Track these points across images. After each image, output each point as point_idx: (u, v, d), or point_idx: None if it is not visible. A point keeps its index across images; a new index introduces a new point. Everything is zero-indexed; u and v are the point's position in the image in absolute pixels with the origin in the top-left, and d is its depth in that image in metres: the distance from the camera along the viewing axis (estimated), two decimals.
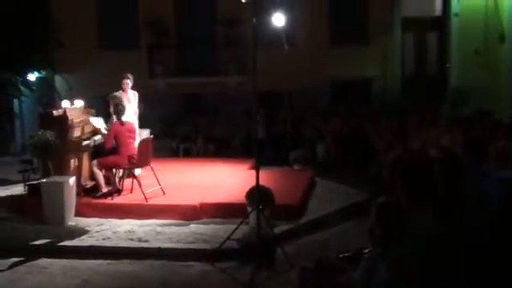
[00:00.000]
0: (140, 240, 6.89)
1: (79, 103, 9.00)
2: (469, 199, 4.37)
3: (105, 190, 8.14)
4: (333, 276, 4.10)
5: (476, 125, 8.50)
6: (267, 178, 8.36)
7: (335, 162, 10.86)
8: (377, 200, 3.96)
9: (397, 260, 3.48)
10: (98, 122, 8.74)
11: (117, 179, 8.33)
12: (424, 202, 3.99)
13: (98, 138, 8.60)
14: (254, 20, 6.56)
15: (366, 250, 3.93)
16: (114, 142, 8.08)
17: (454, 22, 14.38)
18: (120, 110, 8.25)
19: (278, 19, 11.62)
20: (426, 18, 14.81)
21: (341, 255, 4.37)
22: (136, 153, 8.08)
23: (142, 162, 8.20)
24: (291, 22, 13.05)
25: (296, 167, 10.25)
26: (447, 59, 14.57)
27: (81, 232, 7.22)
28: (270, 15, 11.59)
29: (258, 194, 6.39)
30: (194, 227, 7.30)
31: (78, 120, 8.56)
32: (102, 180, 8.17)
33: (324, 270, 4.22)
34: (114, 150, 8.16)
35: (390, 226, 3.59)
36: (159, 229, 7.26)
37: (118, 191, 8.25)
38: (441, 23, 14.73)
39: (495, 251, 3.94)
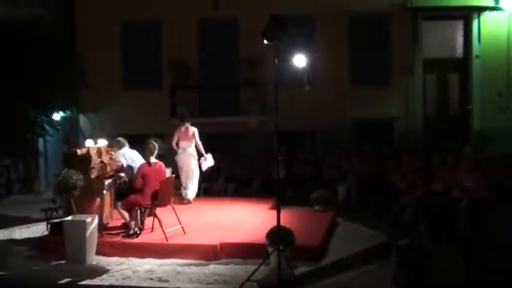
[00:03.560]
0: (160, 280, 6.86)
1: (103, 142, 9.13)
2: (493, 243, 4.30)
3: (136, 228, 8.18)
4: None
5: (499, 167, 8.39)
6: (288, 218, 8.30)
7: (357, 202, 10.79)
8: (398, 243, 3.92)
9: None
10: (133, 154, 8.99)
11: (141, 218, 8.38)
12: (449, 245, 3.94)
13: (121, 175, 8.72)
14: (276, 61, 6.66)
15: None
16: (141, 181, 8.17)
17: (476, 64, 14.39)
18: (149, 151, 8.43)
19: (300, 60, 11.77)
20: (447, 59, 14.84)
21: None
22: (158, 192, 8.13)
23: (164, 201, 8.23)
24: (313, 62, 13.21)
25: (317, 208, 10.18)
26: (469, 101, 14.52)
27: (101, 271, 7.22)
28: (291, 55, 11.75)
29: (278, 235, 6.35)
30: (213, 267, 7.24)
31: (101, 159, 8.67)
32: (128, 219, 8.22)
33: None
34: (139, 190, 8.25)
35: (414, 269, 3.54)
36: (179, 268, 7.23)
37: (141, 230, 8.29)
38: (462, 65, 14.74)
39: None
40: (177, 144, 11.16)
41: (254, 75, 13.76)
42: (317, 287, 6.66)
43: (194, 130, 11.17)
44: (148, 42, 14.88)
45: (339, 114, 14.01)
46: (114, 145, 9.23)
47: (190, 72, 14.44)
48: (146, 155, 8.55)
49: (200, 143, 11.19)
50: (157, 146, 8.57)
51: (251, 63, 13.71)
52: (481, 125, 14.09)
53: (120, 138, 9.52)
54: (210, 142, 12.13)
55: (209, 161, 11.20)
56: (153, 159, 8.47)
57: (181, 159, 11.05)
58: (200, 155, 11.23)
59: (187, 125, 11.11)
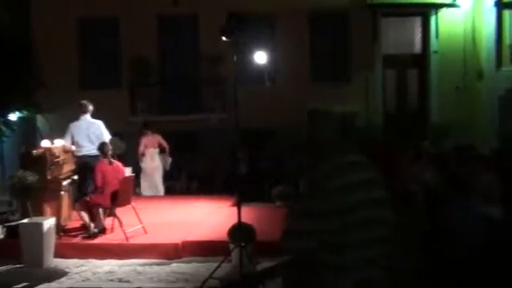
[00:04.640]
0: (121, 280, 6.75)
1: (59, 142, 8.93)
2: (448, 233, 4.37)
3: (96, 229, 8.02)
4: None
5: (456, 160, 8.55)
6: (249, 214, 8.29)
7: None
8: None
9: None
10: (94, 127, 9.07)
11: (101, 218, 8.22)
12: (405, 236, 3.99)
13: (76, 177, 8.56)
14: (236, 57, 6.64)
15: None
16: (101, 181, 8.02)
17: (434, 60, 14.67)
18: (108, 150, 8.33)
19: (260, 56, 11.78)
20: (406, 55, 15.08)
21: None
22: (118, 191, 8.00)
23: (124, 201, 8.11)
24: (274, 59, 13.23)
25: (278, 203, 10.21)
26: (427, 95, 14.78)
27: (60, 274, 7.06)
28: (252, 52, 11.74)
29: (239, 231, 6.33)
30: (175, 266, 7.18)
31: (58, 159, 8.48)
32: (87, 220, 8.06)
33: None
34: (98, 189, 8.11)
35: None
36: (140, 268, 7.13)
37: (104, 230, 8.15)
38: (421, 60, 14.99)
39: (474, 285, 3.92)
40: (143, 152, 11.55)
41: (215, 72, 13.71)
42: (280, 282, 6.65)
43: (158, 136, 11.63)
44: (106, 39, 14.65)
45: (300, 111, 14.01)
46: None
47: (149, 69, 14.29)
48: (104, 155, 8.36)
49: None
50: (110, 147, 8.45)
51: (212, 60, 13.64)
52: (439, 119, 14.36)
53: (83, 101, 9.33)
54: (171, 140, 12.05)
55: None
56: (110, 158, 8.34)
57: (148, 168, 11.20)
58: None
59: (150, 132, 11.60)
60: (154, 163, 11.59)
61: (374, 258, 2.48)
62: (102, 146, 8.32)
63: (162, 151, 11.78)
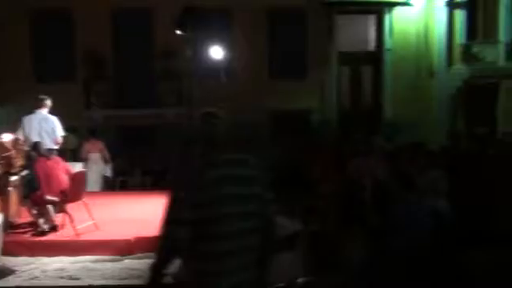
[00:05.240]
0: (71, 278, 6.61)
1: (8, 137, 8.67)
2: (398, 228, 4.45)
3: (45, 226, 7.82)
4: None
5: (407, 156, 8.73)
6: None
7: (273, 192, 10.87)
8: (306, 230, 3.99)
9: None
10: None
11: (52, 214, 8.03)
12: (355, 231, 4.04)
13: (25, 173, 8.32)
14: (192, 52, 6.60)
15: (300, 280, 3.93)
16: (45, 177, 7.83)
17: (387, 57, 14.93)
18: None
19: (217, 52, 11.73)
20: (361, 52, 15.30)
21: (275, 286, 4.35)
22: (68, 187, 7.84)
23: (74, 197, 7.95)
24: (231, 54, 13.21)
25: None
26: (381, 93, 15.04)
27: (7, 272, 6.84)
28: (209, 47, 11.68)
29: None
30: (127, 262, 7.08)
31: (7, 154, 8.23)
32: (37, 216, 7.86)
33: None
34: (45, 185, 7.91)
35: (321, 255, 3.61)
36: (92, 265, 7.00)
37: (55, 227, 7.96)
38: (375, 58, 15.24)
39: (422, 278, 4.01)
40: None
41: (171, 67, 13.58)
42: None
43: (100, 143, 11.87)
44: (60, 32, 14.31)
45: (257, 106, 14.09)
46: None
47: (104, 63, 14.05)
48: (38, 153, 8.18)
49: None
50: (44, 146, 8.31)
51: (168, 54, 13.52)
52: (392, 116, 14.64)
53: (41, 96, 9.13)
54: (126, 135, 11.92)
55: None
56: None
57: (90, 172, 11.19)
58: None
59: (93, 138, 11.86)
60: (95, 167, 11.60)
61: (249, 247, 2.65)
62: (35, 146, 8.18)
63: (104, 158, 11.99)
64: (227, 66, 12.58)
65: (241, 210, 2.64)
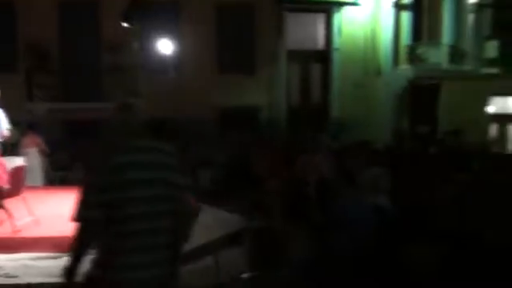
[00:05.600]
0: (8, 276, 6.37)
1: None
2: (341, 224, 4.50)
3: None
4: None
5: (352, 154, 8.89)
6: None
7: (220, 189, 10.87)
8: (252, 226, 3.98)
9: (271, 284, 3.49)
10: None
11: None
12: (299, 227, 4.06)
13: None
14: (138, 45, 6.47)
15: (244, 275, 3.92)
16: None
17: (336, 56, 15.12)
18: None
19: (165, 46, 11.58)
20: (310, 50, 15.44)
21: (221, 282, 4.35)
22: (4, 182, 7.55)
23: (12, 192, 7.67)
24: (179, 49, 13.07)
25: None
26: (329, 91, 15.23)
27: None
28: (157, 41, 11.52)
29: None
30: (67, 260, 6.90)
31: None
32: None
33: None
34: None
35: (264, 250, 3.61)
36: (30, 263, 6.78)
37: None
38: (324, 56, 15.42)
39: (364, 274, 4.07)
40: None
41: (118, 60, 13.30)
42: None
43: (38, 138, 11.72)
44: (1, 21, 13.80)
45: (206, 102, 14.02)
46: None
47: (48, 55, 13.64)
48: None
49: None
50: None
51: (114, 47, 13.22)
52: (339, 114, 14.85)
53: None
54: (70, 129, 11.63)
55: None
56: None
57: (29, 166, 10.86)
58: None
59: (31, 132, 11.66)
60: (33, 162, 11.36)
61: (156, 229, 2.79)
62: None
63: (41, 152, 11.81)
64: (175, 60, 12.43)
65: (146, 194, 2.76)
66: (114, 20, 9.58)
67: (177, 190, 2.90)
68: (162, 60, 11.95)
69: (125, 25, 6.19)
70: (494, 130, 15.96)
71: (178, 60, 13.30)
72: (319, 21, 15.43)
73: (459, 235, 3.38)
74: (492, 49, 15.04)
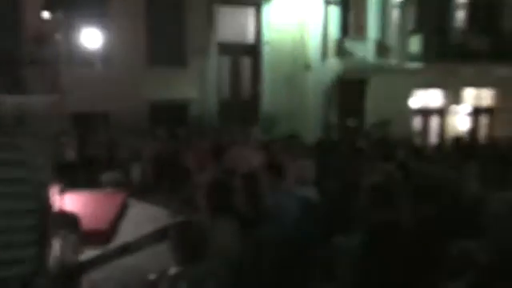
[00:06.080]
0: None
1: None
2: (269, 216, 4.53)
3: None
4: None
5: (281, 147, 8.98)
6: (76, 202, 7.92)
7: (151, 184, 10.72)
8: (179, 220, 3.94)
9: (198, 279, 3.47)
10: None
11: None
12: (226, 220, 4.06)
13: None
14: (60, 36, 6.25)
15: (171, 270, 3.88)
16: None
17: (266, 50, 15.20)
18: None
19: (92, 37, 11.26)
20: (240, 44, 15.45)
21: (150, 278, 4.28)
22: None
23: None
24: (107, 41, 12.74)
25: (108, 190, 9.90)
26: (259, 84, 15.31)
27: None
28: (83, 32, 11.18)
29: (61, 221, 6.00)
30: None
31: None
32: None
33: None
34: None
35: (190, 245, 3.58)
36: None
37: None
38: (254, 50, 15.46)
39: (292, 267, 4.12)
40: None
41: (40, 52, 12.80)
42: (105, 271, 6.46)
43: None
44: None
45: (135, 95, 13.74)
46: None
47: None
48: None
49: None
50: None
51: (37, 38, 12.72)
52: (269, 107, 14.96)
53: None
54: None
55: None
56: None
57: None
58: None
59: None
60: None
61: (17, 227, 2.81)
62: None
63: None
64: (103, 53, 12.09)
65: (3, 191, 2.74)
66: (37, 9, 9.21)
67: (38, 187, 2.88)
68: (89, 52, 11.60)
69: (47, 14, 5.95)
70: (417, 122, 16.60)
71: (106, 52, 12.95)
72: (249, 14, 15.45)
73: (380, 223, 3.48)
74: (416, 43, 15.60)
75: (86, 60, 11.48)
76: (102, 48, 12.12)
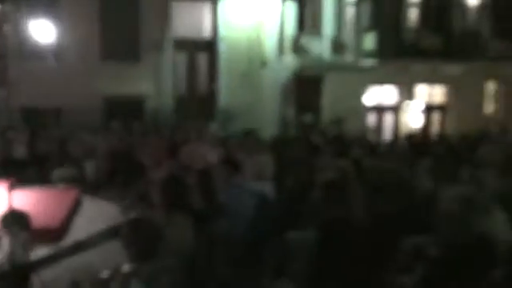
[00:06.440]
0: None
1: None
2: (224, 211, 4.52)
3: None
4: None
5: (238, 143, 8.99)
6: (27, 199, 7.69)
7: (105, 179, 10.53)
8: (133, 217, 3.89)
9: (152, 276, 3.43)
10: None
11: None
12: (180, 216, 4.02)
13: None
14: (9, 28, 6.06)
15: (124, 267, 3.83)
16: None
17: (222, 46, 15.15)
18: None
19: (44, 31, 10.97)
20: (196, 39, 15.34)
21: (102, 276, 4.21)
22: None
23: None
24: (59, 34, 12.43)
25: (60, 186, 9.67)
26: (216, 80, 15.25)
27: None
28: (35, 26, 10.88)
29: (11, 218, 5.82)
30: None
31: None
32: None
33: None
34: None
35: (143, 241, 3.53)
36: None
37: None
38: (210, 45, 15.38)
39: (246, 263, 4.12)
40: None
41: None
42: (57, 269, 6.30)
43: None
44: None
45: (89, 91, 13.45)
46: None
47: None
48: None
49: None
50: None
51: None
52: (226, 103, 14.92)
53: None
54: None
55: None
56: None
57: None
58: None
59: None
60: None
61: None
62: None
63: None
64: (55, 46, 11.80)
65: None
66: None
67: None
68: (40, 45, 11.29)
69: None
70: (372, 119, 16.87)
71: (58, 46, 12.64)
72: (205, 9, 15.36)
73: (332, 219, 3.51)
74: (370, 41, 15.84)
75: (37, 54, 11.17)
76: (54, 41, 11.81)
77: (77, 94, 13.08)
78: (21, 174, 8.28)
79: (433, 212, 3.41)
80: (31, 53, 10.86)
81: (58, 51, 12.52)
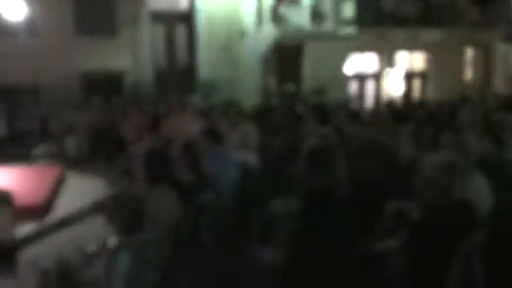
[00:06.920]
0: None
1: None
2: (210, 183, 4.53)
3: None
4: (73, 276, 3.92)
5: (220, 114, 8.97)
6: (9, 177, 7.64)
7: (87, 155, 10.48)
8: (118, 191, 3.89)
9: (138, 248, 3.44)
10: None
11: None
12: (164, 189, 4.02)
13: None
14: None
15: (110, 240, 3.84)
16: None
17: (200, 18, 14.95)
18: None
19: (14, 5, 10.71)
20: (174, 12, 15.10)
21: (88, 250, 4.22)
22: None
23: None
24: (32, 9, 12.15)
25: (42, 163, 9.59)
26: (195, 53, 15.11)
27: None
28: (3, 1, 10.63)
29: None
30: None
31: None
32: None
33: (64, 271, 4.02)
34: None
35: (128, 215, 3.54)
36: None
37: None
38: (188, 18, 15.17)
39: (231, 232, 4.16)
40: None
41: None
42: (42, 246, 6.29)
43: None
44: None
45: (66, 67, 13.20)
46: None
47: None
48: None
49: None
50: None
51: None
52: (206, 75, 14.79)
53: None
54: None
55: None
56: None
57: None
58: None
59: None
60: None
61: None
62: None
63: None
64: (27, 21, 11.52)
65: None
66: None
67: None
68: (12, 20, 11.02)
69: None
70: (353, 86, 16.90)
71: (31, 21, 12.35)
72: None
73: (316, 187, 3.52)
74: (349, 9, 15.77)
75: (7, 29, 10.90)
76: (27, 16, 11.54)
77: (53, 71, 12.83)
78: (0, 152, 8.22)
79: (415, 177, 3.45)
80: (4, 29, 10.61)
81: (30, 27, 12.24)
